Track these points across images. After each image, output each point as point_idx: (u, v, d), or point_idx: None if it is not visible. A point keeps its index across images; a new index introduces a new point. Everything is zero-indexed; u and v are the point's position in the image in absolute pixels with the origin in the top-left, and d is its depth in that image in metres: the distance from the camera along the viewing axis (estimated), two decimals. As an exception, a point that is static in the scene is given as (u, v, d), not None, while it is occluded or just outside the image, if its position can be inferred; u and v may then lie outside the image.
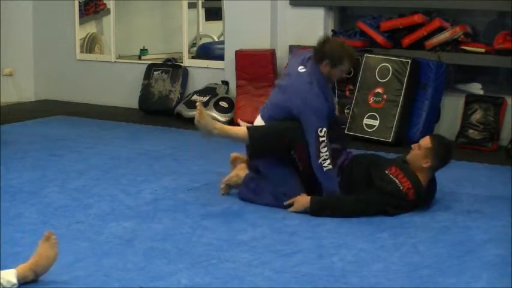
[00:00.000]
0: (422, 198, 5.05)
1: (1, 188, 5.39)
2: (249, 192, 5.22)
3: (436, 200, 5.32)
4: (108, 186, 5.55)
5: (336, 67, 5.15)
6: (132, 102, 8.80)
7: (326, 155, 4.99)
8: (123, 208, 5.05)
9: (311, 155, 5.01)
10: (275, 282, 3.83)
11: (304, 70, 5.17)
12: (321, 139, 4.98)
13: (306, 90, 5.08)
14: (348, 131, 7.30)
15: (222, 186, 5.36)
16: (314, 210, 4.92)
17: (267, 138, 5.07)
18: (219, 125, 5.15)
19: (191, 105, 8.09)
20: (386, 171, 5.02)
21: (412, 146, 5.19)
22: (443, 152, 5.12)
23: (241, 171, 5.33)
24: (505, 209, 5.08)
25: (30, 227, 4.57)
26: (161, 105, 8.56)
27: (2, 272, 3.61)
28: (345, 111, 7.53)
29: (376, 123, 7.17)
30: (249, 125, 5.31)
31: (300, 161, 5.07)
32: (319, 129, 4.98)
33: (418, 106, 7.16)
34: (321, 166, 5.00)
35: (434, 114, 7.22)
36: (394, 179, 4.98)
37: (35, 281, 3.70)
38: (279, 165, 5.12)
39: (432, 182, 5.16)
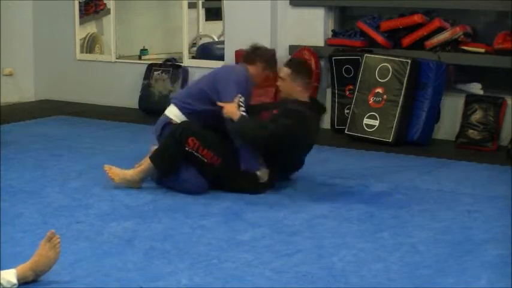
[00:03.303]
0: (308, 107, 5.41)
1: (1, 188, 5.40)
2: (156, 177, 5.53)
3: (436, 200, 5.33)
4: (108, 186, 5.55)
5: (267, 70, 5.72)
6: (132, 102, 8.80)
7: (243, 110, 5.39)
8: (123, 208, 5.05)
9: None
10: (275, 282, 3.83)
11: (234, 65, 5.80)
12: (240, 103, 5.39)
13: (237, 70, 5.66)
14: (348, 131, 7.30)
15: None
16: None
17: (165, 152, 5.39)
18: (134, 172, 5.47)
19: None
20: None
21: (277, 84, 5.64)
22: (302, 68, 5.62)
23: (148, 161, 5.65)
24: (505, 209, 5.08)
25: (30, 227, 4.57)
26: (161, 105, 8.49)
27: (2, 272, 3.61)
28: (345, 111, 7.54)
29: (376, 123, 7.16)
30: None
31: (198, 152, 5.32)
32: (239, 95, 5.40)
33: (418, 106, 7.16)
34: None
35: (434, 114, 7.22)
36: (277, 117, 5.39)
37: (35, 281, 3.70)
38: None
39: (313, 100, 5.68)
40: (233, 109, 5.35)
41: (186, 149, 5.31)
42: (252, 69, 5.66)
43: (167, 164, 5.40)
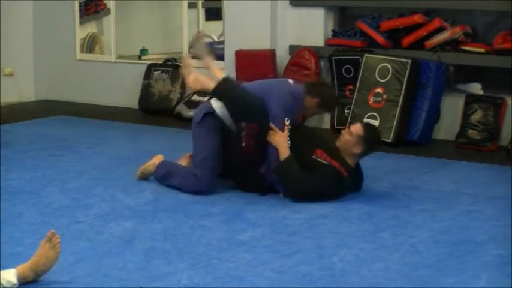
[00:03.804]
0: (352, 177, 5.30)
1: (1, 188, 5.40)
2: (161, 175, 5.55)
3: (436, 200, 5.33)
4: (108, 186, 5.56)
5: (319, 109, 5.61)
6: (132, 102, 8.80)
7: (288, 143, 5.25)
8: (123, 208, 5.05)
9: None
10: (275, 282, 3.83)
11: (293, 83, 5.54)
12: (286, 127, 5.26)
13: (295, 92, 5.41)
14: (347, 131, 7.29)
15: (138, 173, 5.69)
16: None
17: (239, 98, 5.36)
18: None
19: (191, 105, 8.10)
20: (313, 156, 5.26)
21: (342, 131, 5.41)
22: (373, 141, 5.40)
23: (158, 160, 5.65)
24: (505, 209, 5.08)
25: (30, 227, 4.57)
26: (161, 105, 8.56)
27: (2, 272, 3.61)
28: (345, 111, 7.54)
29: (376, 123, 7.15)
30: None
31: (245, 136, 5.32)
32: (286, 118, 5.27)
33: (418, 106, 7.16)
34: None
35: (434, 114, 7.22)
36: (323, 161, 5.23)
37: (35, 281, 3.70)
38: (209, 140, 5.39)
39: (358, 167, 5.41)
40: (282, 141, 5.21)
41: (242, 124, 5.31)
42: (307, 101, 5.48)
43: (227, 95, 5.36)
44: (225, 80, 5.52)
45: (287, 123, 5.28)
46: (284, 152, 5.21)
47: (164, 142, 7.09)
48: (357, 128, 5.35)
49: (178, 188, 5.40)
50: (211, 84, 5.48)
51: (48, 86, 9.52)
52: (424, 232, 4.62)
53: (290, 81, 5.65)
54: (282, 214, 4.94)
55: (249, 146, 5.33)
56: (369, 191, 5.49)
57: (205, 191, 5.34)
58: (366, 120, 7.21)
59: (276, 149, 5.23)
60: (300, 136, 5.41)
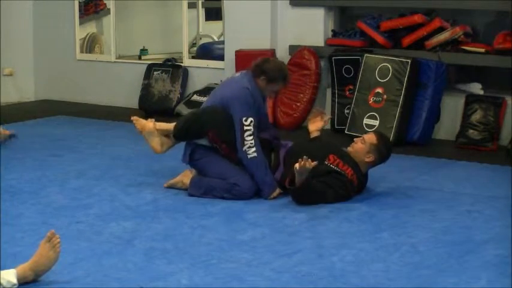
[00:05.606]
0: (361, 184, 5.31)
1: (1, 188, 5.40)
2: (199, 191, 5.33)
3: (436, 200, 5.33)
4: (108, 186, 5.56)
5: (271, 84, 5.47)
6: (132, 102, 8.80)
7: (251, 143, 5.24)
8: (123, 208, 5.05)
9: (236, 143, 5.27)
10: (275, 282, 3.83)
11: (241, 76, 5.52)
12: (246, 128, 5.24)
13: (239, 87, 5.37)
14: (347, 131, 7.30)
15: (165, 186, 5.52)
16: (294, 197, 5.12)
17: (186, 125, 5.41)
18: (157, 125, 5.69)
19: (191, 105, 8.10)
20: (326, 162, 5.20)
21: (355, 139, 5.40)
22: (386, 151, 5.39)
23: (185, 177, 5.47)
24: (505, 209, 5.08)
25: (30, 227, 4.57)
26: (161, 105, 8.56)
27: (2, 272, 3.61)
28: (345, 111, 7.54)
29: (376, 123, 7.16)
30: None
31: (217, 144, 5.31)
32: (244, 118, 5.25)
33: (418, 106, 7.16)
34: (245, 153, 5.24)
35: (434, 114, 7.22)
36: (335, 168, 5.18)
37: (35, 281, 3.70)
38: (215, 162, 5.35)
39: (365, 175, 5.41)
40: (303, 170, 4.95)
41: (206, 138, 5.30)
42: (258, 83, 5.43)
43: (184, 132, 5.42)
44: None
45: (246, 123, 5.22)
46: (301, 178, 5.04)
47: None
48: (370, 137, 5.36)
49: (222, 198, 5.26)
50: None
51: (48, 86, 9.52)
52: (424, 232, 4.62)
53: (237, 74, 5.65)
54: (282, 214, 4.94)
55: (224, 149, 5.32)
56: (369, 191, 5.49)
57: (251, 195, 5.26)
58: (365, 120, 7.22)
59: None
60: (312, 142, 5.40)
